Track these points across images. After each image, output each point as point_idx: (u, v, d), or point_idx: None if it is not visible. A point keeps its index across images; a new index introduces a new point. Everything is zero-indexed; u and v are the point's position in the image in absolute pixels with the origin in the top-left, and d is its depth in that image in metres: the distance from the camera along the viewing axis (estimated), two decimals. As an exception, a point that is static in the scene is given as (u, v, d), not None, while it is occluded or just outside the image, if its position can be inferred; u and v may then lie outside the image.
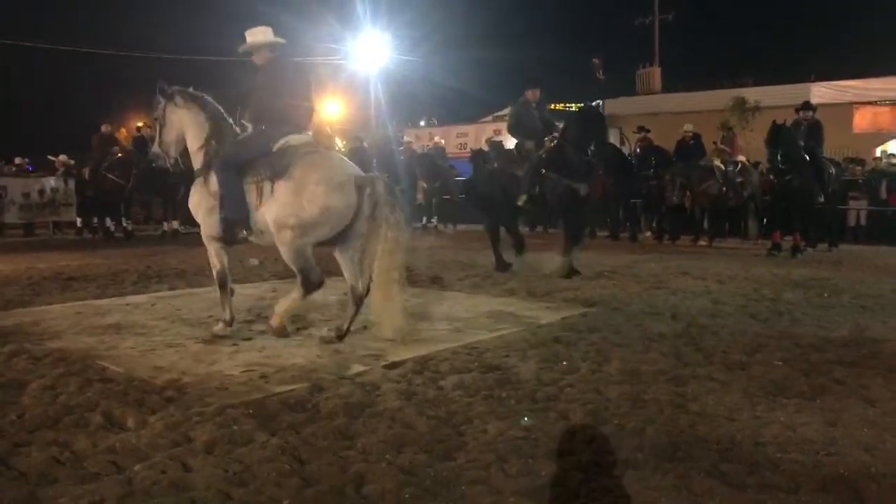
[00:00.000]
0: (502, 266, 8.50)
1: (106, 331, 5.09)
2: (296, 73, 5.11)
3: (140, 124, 23.42)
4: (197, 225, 5.24)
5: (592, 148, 8.13)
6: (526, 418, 3.24)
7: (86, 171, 14.32)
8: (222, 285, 5.02)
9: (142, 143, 14.18)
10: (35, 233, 15.15)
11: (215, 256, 5.06)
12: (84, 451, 2.87)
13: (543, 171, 8.05)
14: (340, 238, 4.83)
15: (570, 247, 8.18)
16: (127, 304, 6.20)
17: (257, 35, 4.98)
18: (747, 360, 4.32)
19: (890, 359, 4.33)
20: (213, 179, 4.86)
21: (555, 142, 8.15)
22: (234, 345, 4.73)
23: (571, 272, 7.97)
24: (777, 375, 3.98)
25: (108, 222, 13.91)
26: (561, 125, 8.50)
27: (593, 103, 8.25)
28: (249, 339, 4.90)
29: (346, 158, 5.27)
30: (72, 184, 15.01)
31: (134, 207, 15.56)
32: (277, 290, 6.89)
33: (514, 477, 2.64)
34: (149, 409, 3.33)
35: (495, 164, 9.24)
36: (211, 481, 2.57)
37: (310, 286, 4.71)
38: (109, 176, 13.15)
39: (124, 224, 13.95)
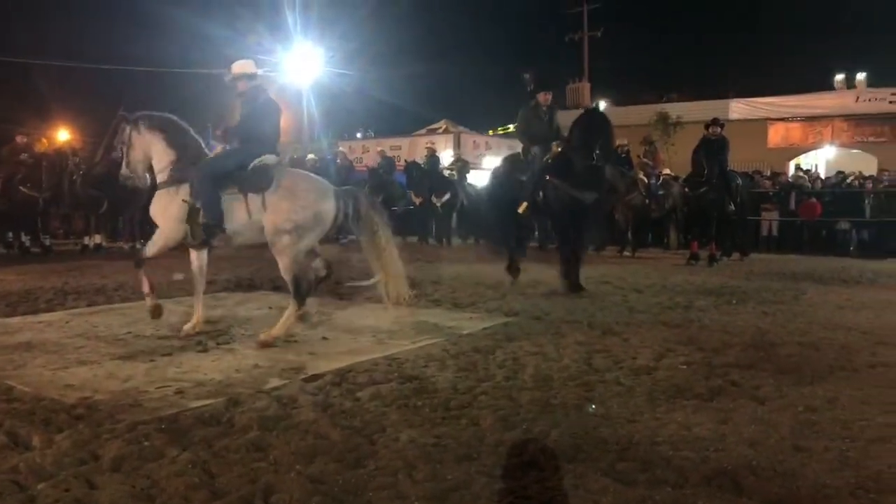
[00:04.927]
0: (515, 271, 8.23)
1: (15, 350, 4.93)
2: (269, 103, 5.72)
3: (67, 137, 22.52)
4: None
5: (598, 152, 7.57)
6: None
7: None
8: (140, 263, 5.57)
9: (63, 156, 13.68)
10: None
11: (160, 247, 5.52)
12: (-15, 472, 2.81)
13: (548, 177, 7.77)
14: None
15: (565, 260, 7.84)
16: (39, 322, 6.00)
17: (241, 67, 5.65)
18: (654, 364, 4.56)
19: (783, 360, 4.65)
20: (184, 191, 5.36)
21: (561, 147, 7.88)
22: (152, 360, 4.67)
23: (576, 287, 7.69)
24: (679, 379, 4.22)
25: (24, 237, 13.35)
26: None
27: (597, 106, 7.88)
28: (168, 354, 4.84)
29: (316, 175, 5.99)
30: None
31: (53, 221, 14.96)
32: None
33: (420, 482, 2.73)
34: (56, 428, 3.27)
35: (502, 171, 8.67)
36: (116, 497, 2.57)
37: (301, 296, 5.26)
38: (22, 189, 12.61)
39: (42, 239, 13.41)
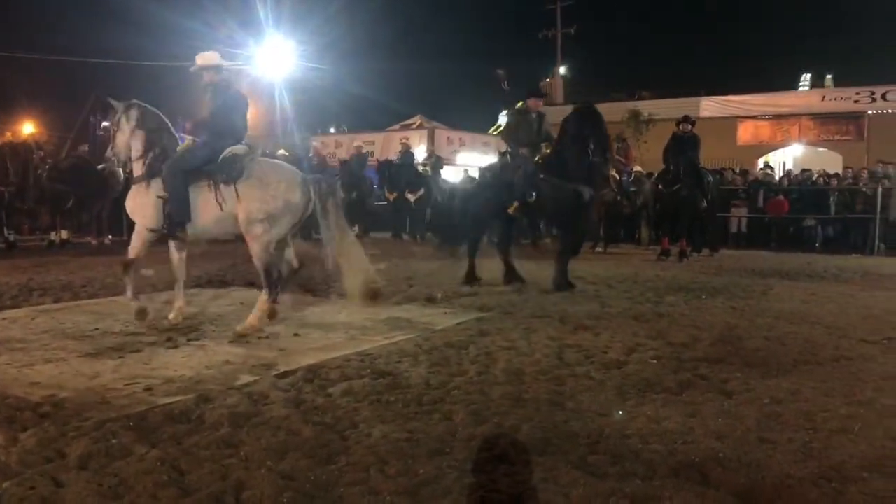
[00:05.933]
0: (471, 279, 7.98)
1: (-22, 347, 4.83)
2: (237, 95, 5.82)
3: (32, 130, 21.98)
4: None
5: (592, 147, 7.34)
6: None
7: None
8: (128, 266, 5.58)
9: (28, 149, 13.36)
10: None
11: (140, 243, 5.62)
12: (-53, 472, 2.75)
13: (542, 176, 7.53)
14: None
15: (565, 258, 7.77)
16: (4, 319, 5.87)
17: (205, 59, 5.67)
18: (624, 359, 4.61)
19: (749, 354, 4.73)
20: (156, 184, 5.47)
21: (551, 148, 7.72)
22: (121, 357, 4.60)
23: (567, 285, 7.58)
24: (649, 373, 4.27)
25: (-12, 232, 13.02)
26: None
27: (589, 102, 7.53)
28: (137, 351, 4.78)
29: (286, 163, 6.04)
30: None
31: (19, 216, 14.59)
32: (170, 300, 6.71)
33: (392, 477, 2.74)
34: (21, 426, 3.21)
35: (490, 176, 8.46)
36: (83, 496, 2.53)
37: (273, 283, 5.34)
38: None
39: (6, 234, 13.10)
